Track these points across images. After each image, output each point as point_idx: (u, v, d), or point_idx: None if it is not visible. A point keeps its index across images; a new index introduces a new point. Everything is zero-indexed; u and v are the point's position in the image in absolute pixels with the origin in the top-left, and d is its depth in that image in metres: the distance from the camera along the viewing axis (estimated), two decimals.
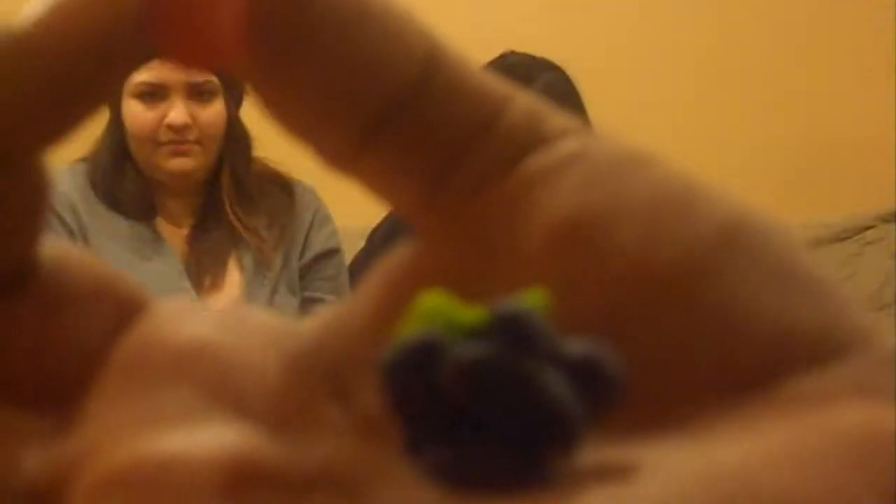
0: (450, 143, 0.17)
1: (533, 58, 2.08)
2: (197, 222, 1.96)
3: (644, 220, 0.16)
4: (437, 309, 0.15)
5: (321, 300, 1.96)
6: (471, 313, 0.15)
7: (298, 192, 1.99)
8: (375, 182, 0.18)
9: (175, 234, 1.95)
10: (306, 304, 1.96)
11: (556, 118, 0.18)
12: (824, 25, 2.90)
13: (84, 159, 1.96)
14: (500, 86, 0.18)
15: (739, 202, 0.17)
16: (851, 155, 2.87)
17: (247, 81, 0.18)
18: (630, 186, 0.17)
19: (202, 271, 1.93)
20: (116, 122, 1.91)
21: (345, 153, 0.18)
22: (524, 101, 0.18)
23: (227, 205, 1.93)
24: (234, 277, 1.94)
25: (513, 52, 2.10)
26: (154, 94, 1.87)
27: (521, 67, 2.04)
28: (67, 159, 1.97)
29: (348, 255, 2.06)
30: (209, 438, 0.15)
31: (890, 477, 0.13)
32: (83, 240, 1.90)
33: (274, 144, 1.53)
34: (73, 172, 1.94)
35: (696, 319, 0.16)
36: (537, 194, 0.17)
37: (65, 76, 0.16)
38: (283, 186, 1.99)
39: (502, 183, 0.17)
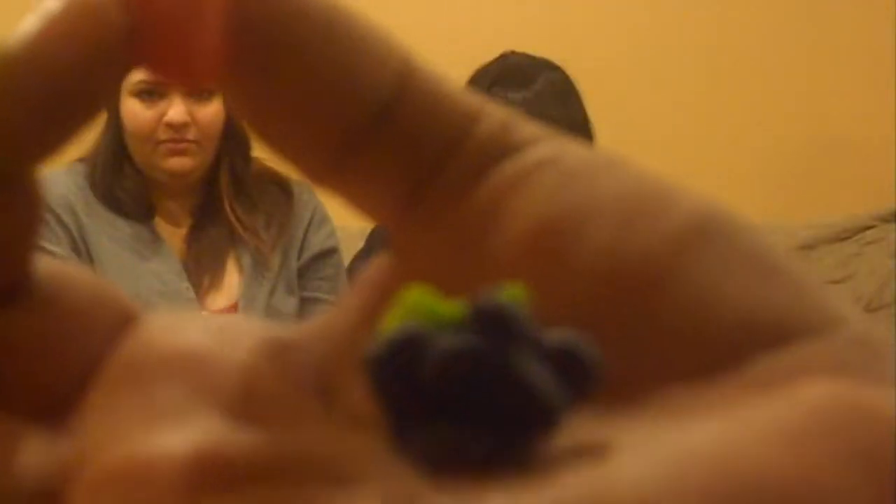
0: (424, 156, 0.18)
1: (533, 58, 2.08)
2: (195, 222, 1.96)
3: (614, 217, 0.17)
4: (419, 303, 0.15)
5: (320, 300, 1.96)
6: (452, 306, 0.15)
7: (297, 192, 1.99)
8: (353, 195, 0.18)
9: (174, 234, 1.95)
10: (305, 304, 1.96)
11: (529, 127, 0.18)
12: (824, 25, 2.90)
13: (82, 159, 1.96)
14: (472, 99, 0.18)
15: (707, 199, 0.17)
16: (851, 155, 2.87)
17: (226, 96, 0.18)
18: (600, 187, 0.17)
19: (201, 271, 1.93)
20: (115, 122, 1.91)
21: (322, 168, 0.18)
22: (497, 113, 0.18)
23: (227, 204, 1.93)
24: (232, 277, 1.94)
25: (513, 52, 2.10)
26: (153, 93, 1.87)
27: (521, 67, 2.04)
28: (65, 159, 1.96)
29: (347, 255, 2.07)
30: (179, 436, 0.16)
31: (864, 445, 0.14)
32: (82, 240, 1.90)
33: None
34: (72, 172, 1.94)
35: (666, 308, 0.16)
36: (510, 200, 0.17)
37: (56, 95, 0.16)
38: (281, 186, 1.99)
39: (476, 192, 0.18)
